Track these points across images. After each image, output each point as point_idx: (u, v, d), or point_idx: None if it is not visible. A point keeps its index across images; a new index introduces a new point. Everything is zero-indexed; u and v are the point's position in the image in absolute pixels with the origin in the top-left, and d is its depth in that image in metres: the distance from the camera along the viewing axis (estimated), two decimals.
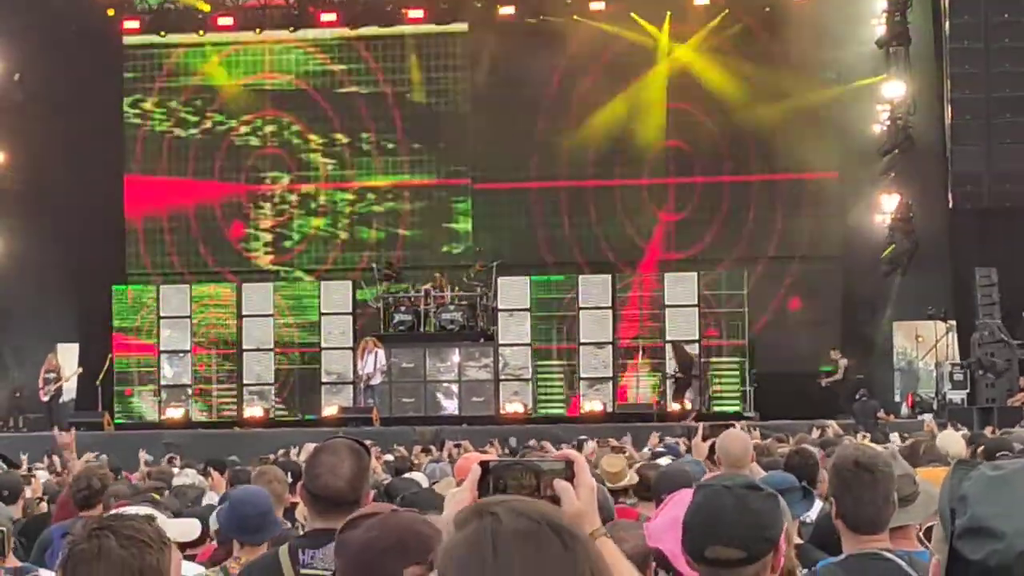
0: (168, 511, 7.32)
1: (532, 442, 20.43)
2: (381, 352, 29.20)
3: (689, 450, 12.97)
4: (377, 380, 29.27)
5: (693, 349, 30.54)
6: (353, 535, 3.71)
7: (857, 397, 28.21)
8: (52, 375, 30.58)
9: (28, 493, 11.63)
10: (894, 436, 17.90)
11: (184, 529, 5.87)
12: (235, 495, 7.43)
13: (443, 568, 2.44)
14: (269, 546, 6.68)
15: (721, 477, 4.32)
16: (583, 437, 19.53)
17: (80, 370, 31.25)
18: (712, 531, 3.83)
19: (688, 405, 29.81)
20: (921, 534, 5.28)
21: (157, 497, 9.08)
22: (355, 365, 30.18)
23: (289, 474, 9.70)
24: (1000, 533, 2.22)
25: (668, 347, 30.64)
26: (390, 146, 35.00)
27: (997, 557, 2.22)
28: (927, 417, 21.52)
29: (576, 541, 2.43)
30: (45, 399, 30.44)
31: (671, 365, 30.62)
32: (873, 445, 5.49)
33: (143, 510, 5.67)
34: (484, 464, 3.07)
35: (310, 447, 13.29)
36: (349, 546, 3.72)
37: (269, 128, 35.28)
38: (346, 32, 34.79)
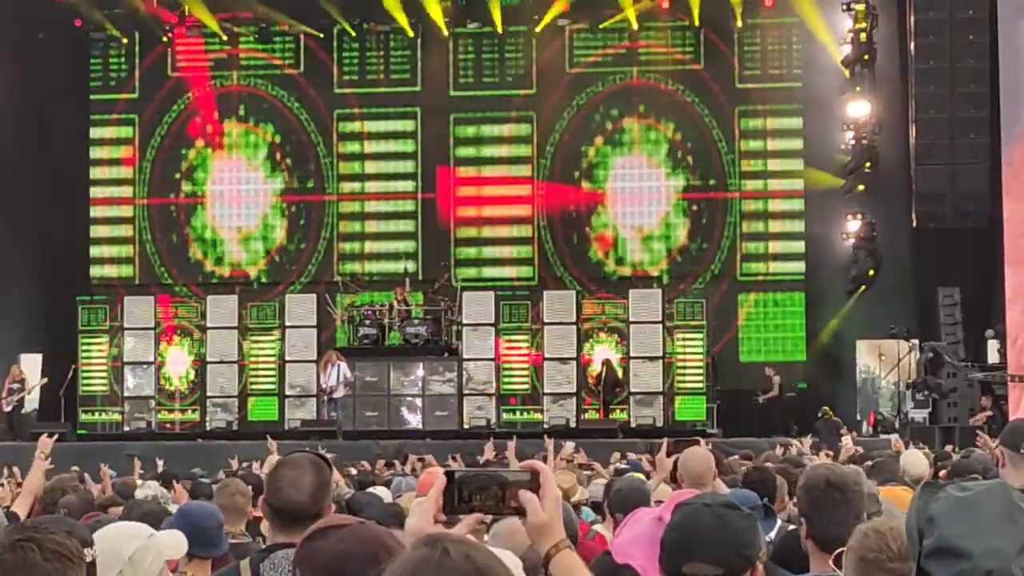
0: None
1: (491, 455, 20.38)
2: (344, 365, 29.08)
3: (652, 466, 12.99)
4: (340, 393, 29.14)
5: (656, 366, 30.53)
6: (323, 545, 3.67)
7: (819, 416, 28.33)
8: (16, 386, 30.33)
9: None
10: (846, 440, 17.86)
11: (178, 545, 5.76)
12: (188, 509, 7.36)
13: None
14: (228, 560, 6.63)
15: (702, 496, 4.32)
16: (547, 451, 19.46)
17: (45, 380, 31.02)
18: (691, 548, 3.83)
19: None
20: (832, 560, 5.25)
21: (169, 509, 9.03)
22: (318, 379, 30.05)
23: (251, 488, 9.61)
24: (968, 553, 2.24)
25: (600, 363, 30.51)
26: (355, 156, 34.98)
27: None
28: (893, 437, 21.54)
29: None
30: (7, 409, 30.20)
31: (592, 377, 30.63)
32: (839, 464, 5.48)
33: (140, 526, 5.58)
34: (450, 474, 3.07)
35: (273, 460, 13.24)
36: (318, 556, 3.69)
37: (236, 134, 35.20)
38: (311, 39, 34.88)
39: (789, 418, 28.85)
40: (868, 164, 31.25)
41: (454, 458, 21.01)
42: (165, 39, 34.91)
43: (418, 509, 3.09)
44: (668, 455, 9.61)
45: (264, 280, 34.70)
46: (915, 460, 11.48)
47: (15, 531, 3.90)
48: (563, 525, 3.18)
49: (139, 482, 13.33)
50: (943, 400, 28.35)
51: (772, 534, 7.83)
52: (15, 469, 19.17)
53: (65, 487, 9.01)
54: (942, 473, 9.87)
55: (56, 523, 4.03)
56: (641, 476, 10.77)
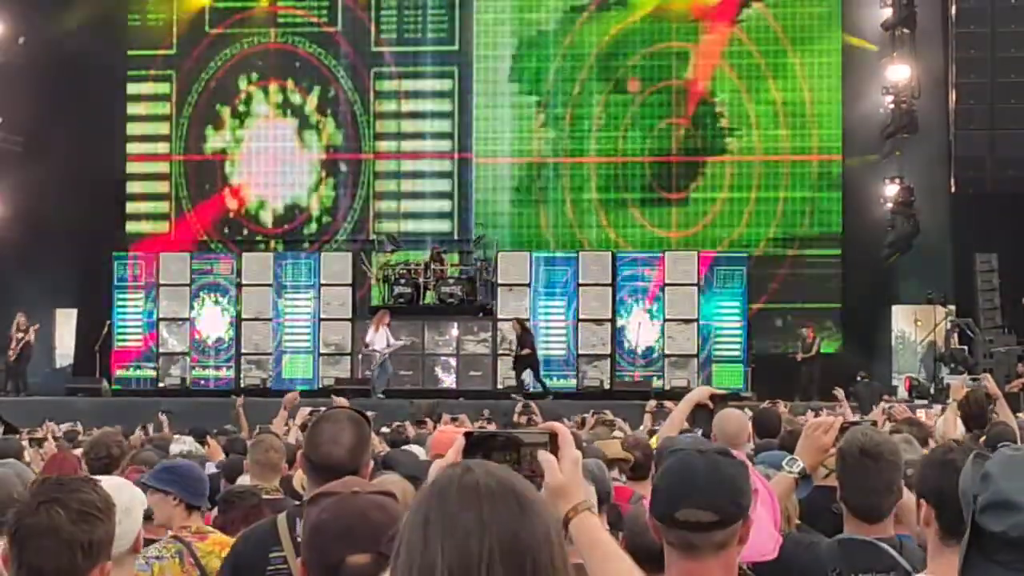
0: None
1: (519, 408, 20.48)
2: (389, 332, 28.92)
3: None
4: (379, 356, 28.99)
5: (690, 329, 30.47)
6: (311, 513, 3.68)
7: (858, 379, 28.25)
8: (20, 335, 30.11)
9: (32, 456, 11.61)
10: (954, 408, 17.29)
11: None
12: (174, 465, 7.34)
13: (411, 503, 2.57)
14: (261, 515, 6.65)
15: (695, 442, 4.30)
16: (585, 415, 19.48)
17: (37, 326, 30.48)
18: (684, 493, 3.79)
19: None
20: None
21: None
22: (365, 333, 29.73)
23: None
24: (1022, 506, 2.25)
25: (513, 323, 29.98)
26: (392, 115, 34.99)
27: (1020, 529, 2.24)
28: (937, 408, 21.44)
29: (530, 506, 2.48)
30: (13, 359, 29.90)
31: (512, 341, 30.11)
32: (879, 431, 5.46)
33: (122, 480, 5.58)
34: (468, 435, 3.11)
35: (304, 412, 13.28)
36: (306, 523, 3.71)
37: (272, 91, 35.23)
38: None
39: (823, 382, 28.67)
40: (907, 128, 31.09)
41: (483, 415, 21.15)
42: None
43: (437, 469, 3.12)
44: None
45: (300, 238, 34.74)
46: (951, 425, 11.51)
47: (39, 491, 3.77)
48: (583, 486, 3.19)
49: (175, 437, 13.39)
50: (968, 369, 28.23)
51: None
52: (48, 424, 19.28)
53: (110, 443, 9.01)
54: (981, 440, 9.85)
55: (81, 480, 3.94)
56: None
